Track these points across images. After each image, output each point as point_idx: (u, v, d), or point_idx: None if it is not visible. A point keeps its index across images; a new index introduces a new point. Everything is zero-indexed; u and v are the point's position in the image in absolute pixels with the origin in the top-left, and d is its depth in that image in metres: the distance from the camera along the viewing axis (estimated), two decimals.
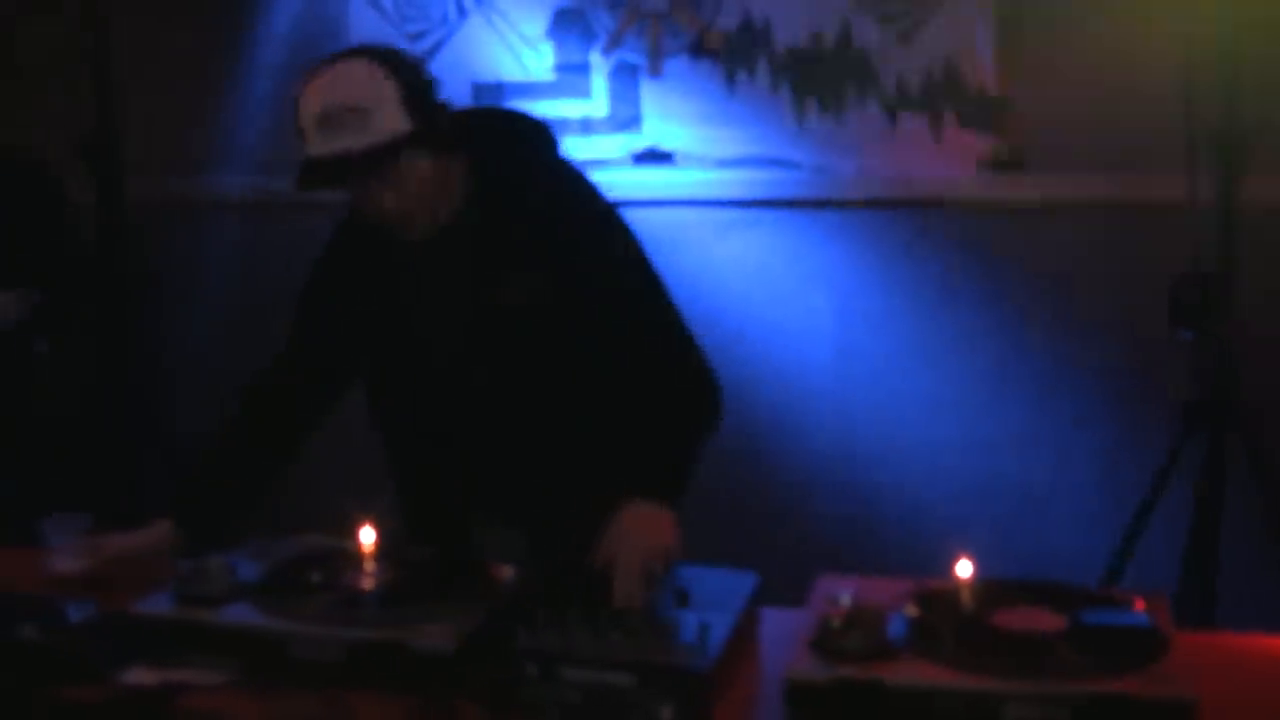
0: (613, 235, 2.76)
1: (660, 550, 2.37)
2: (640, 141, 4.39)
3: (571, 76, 4.42)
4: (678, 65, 4.35)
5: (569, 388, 2.70)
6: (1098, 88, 3.99)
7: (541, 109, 4.33)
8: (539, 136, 2.84)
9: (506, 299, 2.66)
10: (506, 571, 2.40)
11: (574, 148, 4.40)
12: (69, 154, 4.16)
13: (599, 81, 4.40)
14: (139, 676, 2.22)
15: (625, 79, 4.39)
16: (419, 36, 4.49)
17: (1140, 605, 2.20)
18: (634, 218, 4.40)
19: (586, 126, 4.42)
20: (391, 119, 2.51)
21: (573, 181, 2.80)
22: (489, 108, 2.98)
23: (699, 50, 4.32)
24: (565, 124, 4.41)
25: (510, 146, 2.79)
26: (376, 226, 2.66)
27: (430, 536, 2.76)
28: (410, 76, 2.57)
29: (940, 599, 2.21)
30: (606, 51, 4.39)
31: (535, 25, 4.41)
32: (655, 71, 4.36)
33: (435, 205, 2.64)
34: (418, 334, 2.75)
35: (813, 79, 4.25)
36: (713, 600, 2.27)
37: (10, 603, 2.44)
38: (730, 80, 4.30)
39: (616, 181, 4.36)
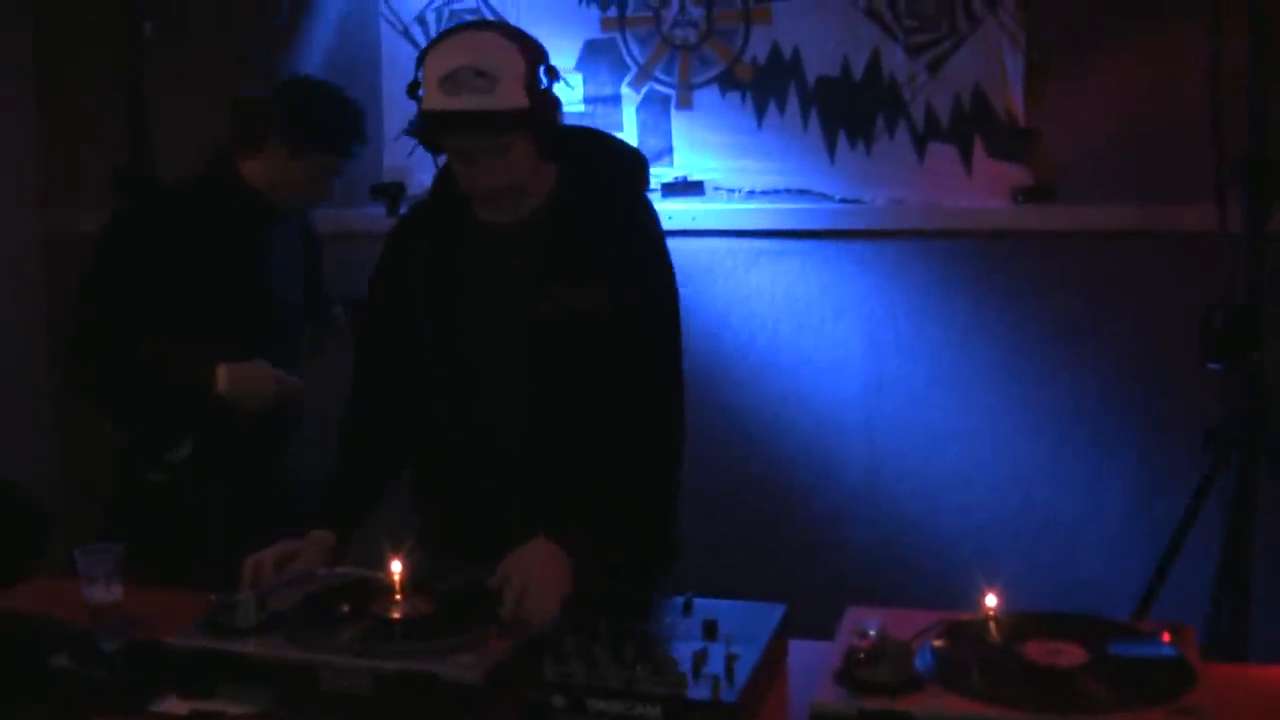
0: (664, 284, 2.85)
1: (551, 595, 2.43)
2: (670, 172, 4.40)
3: (602, 107, 4.44)
4: (708, 96, 4.36)
5: (587, 401, 2.76)
6: (1127, 117, 3.99)
7: None
8: (632, 165, 2.93)
9: (565, 305, 2.72)
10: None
11: None
12: (103, 182, 4.18)
13: (629, 112, 4.42)
14: (170, 706, 2.23)
15: (655, 110, 4.41)
16: None
17: (1167, 637, 2.19)
18: None
19: None
20: (514, 92, 2.60)
21: (648, 217, 2.87)
22: (589, 128, 3.05)
23: (729, 81, 4.34)
24: None
25: (602, 166, 2.86)
26: (444, 214, 2.79)
27: (444, 540, 2.86)
28: (536, 59, 2.66)
29: (968, 631, 2.21)
30: (637, 83, 4.41)
31: (566, 56, 4.43)
32: (685, 103, 4.38)
33: (523, 191, 2.74)
34: (473, 323, 2.81)
35: (842, 109, 4.25)
36: (740, 632, 2.27)
37: (43, 631, 2.46)
38: (760, 111, 4.32)
39: None
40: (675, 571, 2.97)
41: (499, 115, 2.61)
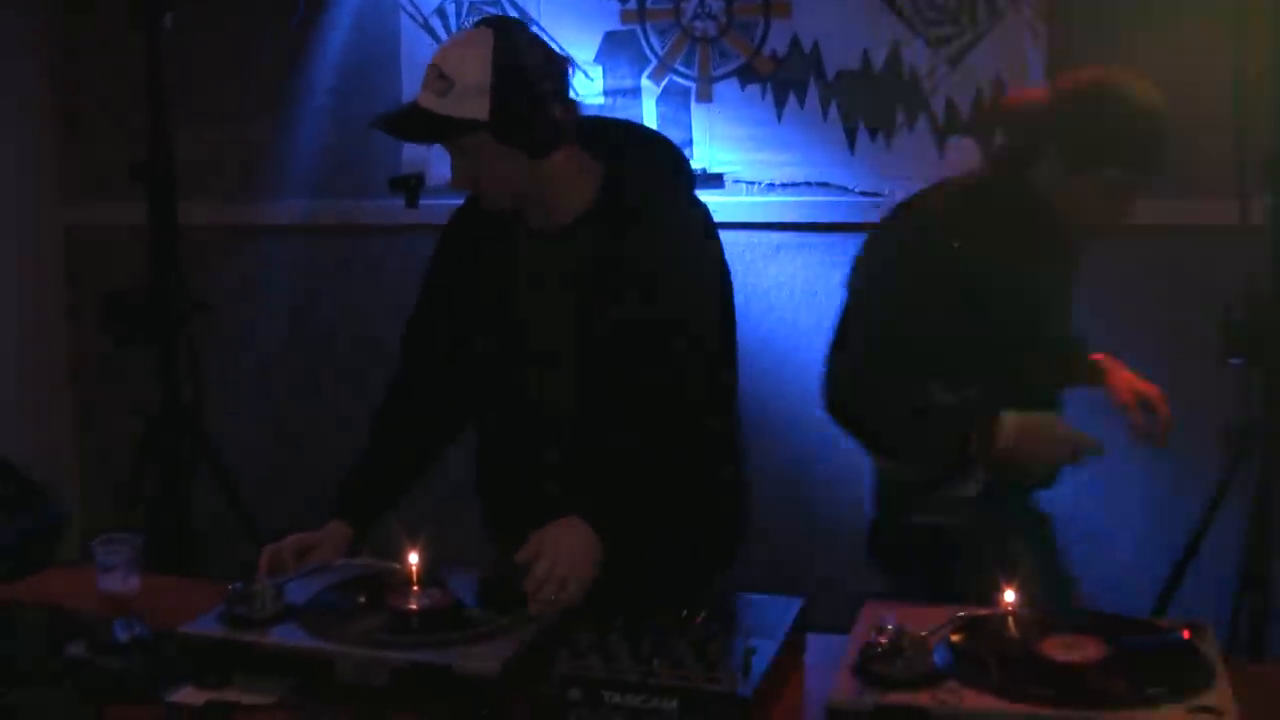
0: (710, 287, 2.78)
1: (579, 572, 2.45)
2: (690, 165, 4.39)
3: (621, 100, 4.43)
4: (728, 89, 4.36)
5: (636, 404, 2.70)
6: None
7: None
8: (676, 164, 2.86)
9: (609, 313, 2.69)
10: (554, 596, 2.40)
11: None
12: (124, 179, 4.19)
13: (649, 105, 4.42)
14: (187, 696, 2.24)
15: (675, 103, 4.40)
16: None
17: (1186, 634, 2.19)
18: None
19: None
20: (469, 100, 2.55)
21: (693, 219, 2.80)
22: (630, 122, 3.00)
23: (749, 74, 4.33)
24: None
25: (645, 167, 2.80)
26: (493, 216, 2.75)
27: (505, 531, 2.81)
28: (515, 66, 2.57)
29: (985, 627, 2.21)
30: (656, 75, 4.40)
31: (586, 49, 4.43)
32: (705, 95, 4.37)
33: (518, 196, 2.69)
34: (521, 329, 2.79)
35: (862, 102, 4.24)
36: (757, 625, 2.27)
37: (60, 621, 2.47)
38: (780, 104, 4.31)
39: None
40: (741, 556, 2.95)
41: (445, 120, 2.58)
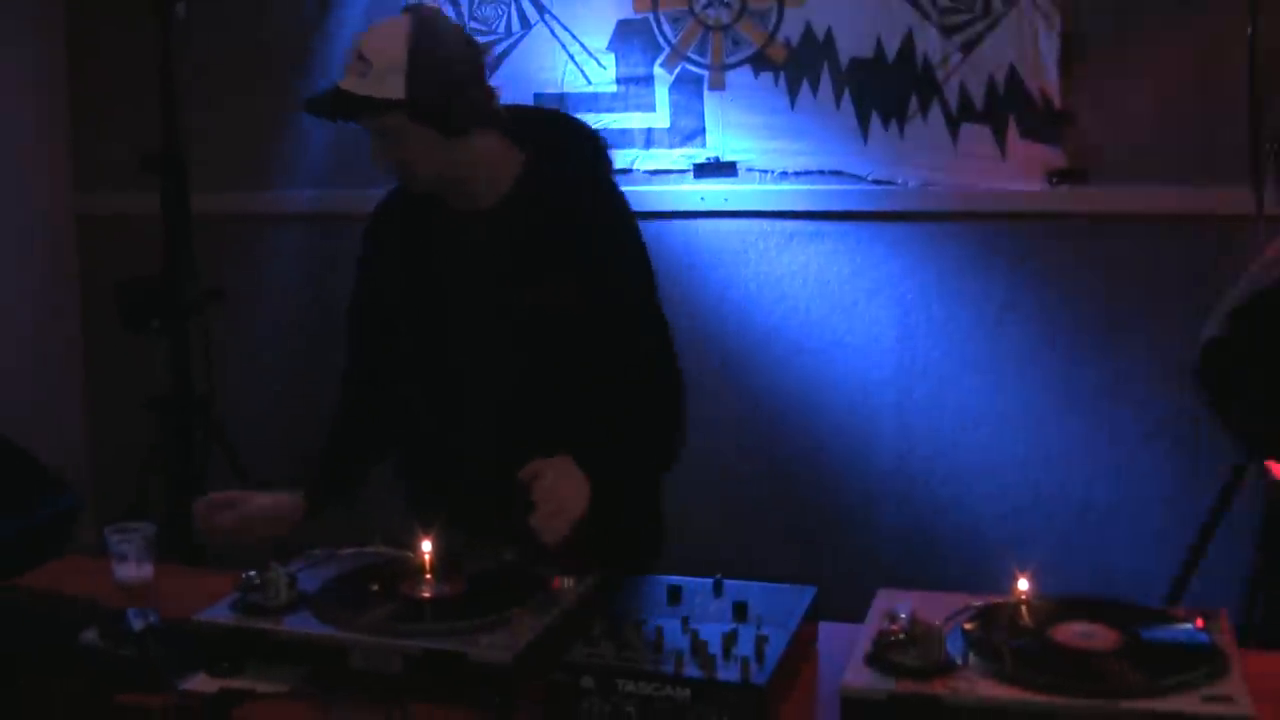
0: (639, 262, 2.89)
1: (572, 507, 2.54)
2: (703, 153, 4.39)
3: (634, 88, 4.43)
4: (740, 77, 4.35)
5: (566, 384, 2.80)
6: (1163, 99, 3.96)
7: (604, 120, 4.37)
8: (594, 149, 2.94)
9: (535, 294, 2.76)
10: (566, 583, 2.41)
11: (636, 159, 4.41)
12: (136, 169, 4.19)
13: (662, 93, 4.41)
14: (200, 684, 2.24)
15: (688, 91, 4.39)
16: (483, 49, 4.52)
17: (1200, 623, 2.18)
18: (696, 229, 4.46)
19: (649, 138, 4.43)
20: (386, 80, 2.64)
21: (617, 200, 2.91)
22: (552, 110, 3.10)
23: (762, 62, 4.32)
24: (628, 135, 4.43)
25: (567, 152, 2.89)
26: (416, 201, 2.84)
27: (428, 513, 2.84)
28: (430, 48, 2.67)
29: (999, 615, 2.20)
30: (669, 63, 4.40)
31: (598, 37, 4.42)
32: (718, 83, 4.36)
33: (435, 178, 2.77)
34: (446, 311, 2.85)
35: (875, 90, 4.23)
36: (770, 614, 2.27)
37: (73, 609, 2.47)
38: (793, 92, 4.30)
39: (679, 193, 4.38)
40: (665, 554, 3.01)
41: (364, 101, 2.66)
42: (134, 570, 2.69)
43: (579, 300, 2.75)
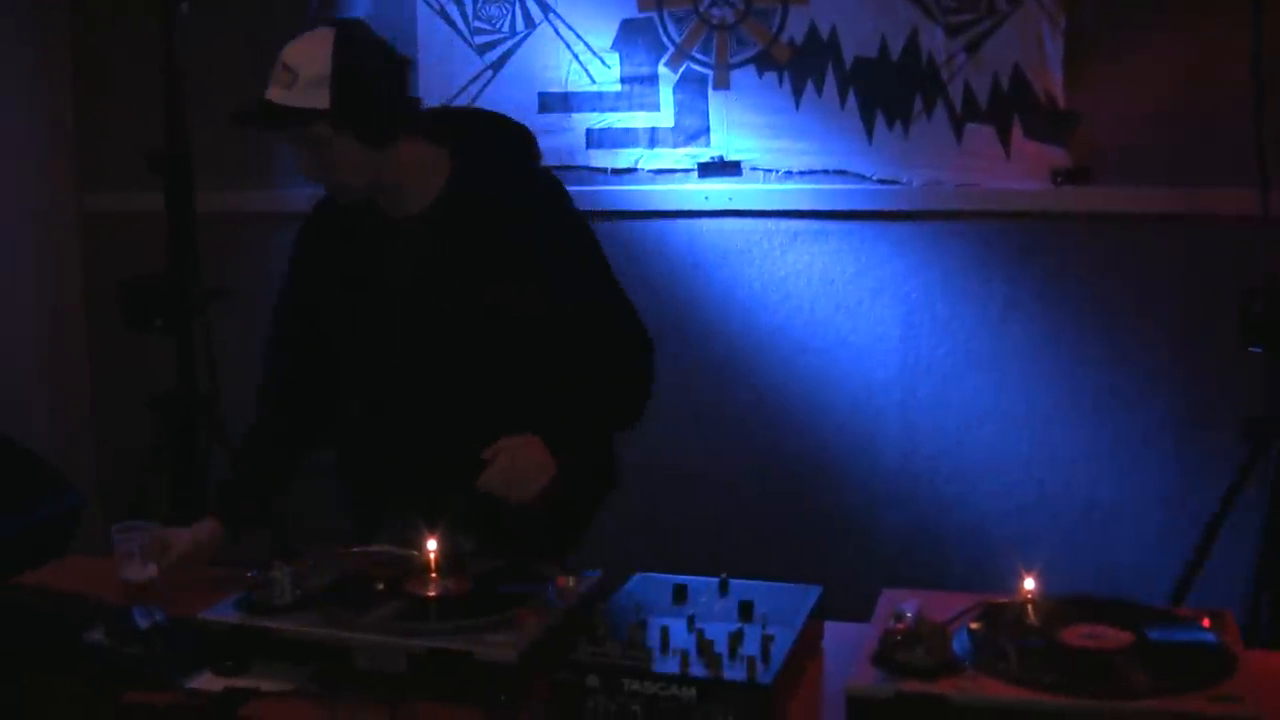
0: (582, 244, 2.91)
1: (532, 479, 2.66)
2: (707, 152, 4.39)
3: (639, 87, 4.42)
4: (745, 76, 4.34)
5: (513, 381, 2.82)
6: (1167, 99, 3.96)
7: (608, 120, 4.37)
8: (520, 143, 2.97)
9: (471, 295, 2.78)
10: (571, 582, 2.41)
11: (641, 159, 4.41)
12: (141, 167, 4.19)
13: (666, 93, 4.40)
14: (205, 683, 2.24)
15: (692, 90, 4.39)
16: (488, 48, 4.51)
17: (1206, 623, 2.18)
18: (701, 229, 4.46)
19: (653, 138, 4.42)
20: (311, 90, 2.67)
21: (550, 191, 2.92)
22: (474, 109, 3.15)
23: (766, 62, 4.32)
24: (632, 135, 4.43)
25: (491, 149, 2.92)
26: (351, 207, 2.85)
27: (362, 512, 2.96)
28: (354, 59, 2.70)
29: (1005, 614, 2.20)
30: (674, 63, 4.39)
31: (603, 36, 4.42)
32: (722, 83, 4.36)
33: (368, 185, 2.78)
34: (384, 318, 2.86)
35: (880, 90, 4.23)
36: (776, 613, 2.27)
37: (79, 608, 2.47)
38: (797, 91, 4.29)
39: (683, 193, 4.38)
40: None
41: (287, 110, 2.69)
42: (139, 569, 2.69)
43: (521, 296, 2.77)
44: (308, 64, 2.67)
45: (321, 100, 2.66)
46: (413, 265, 2.82)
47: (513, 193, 2.85)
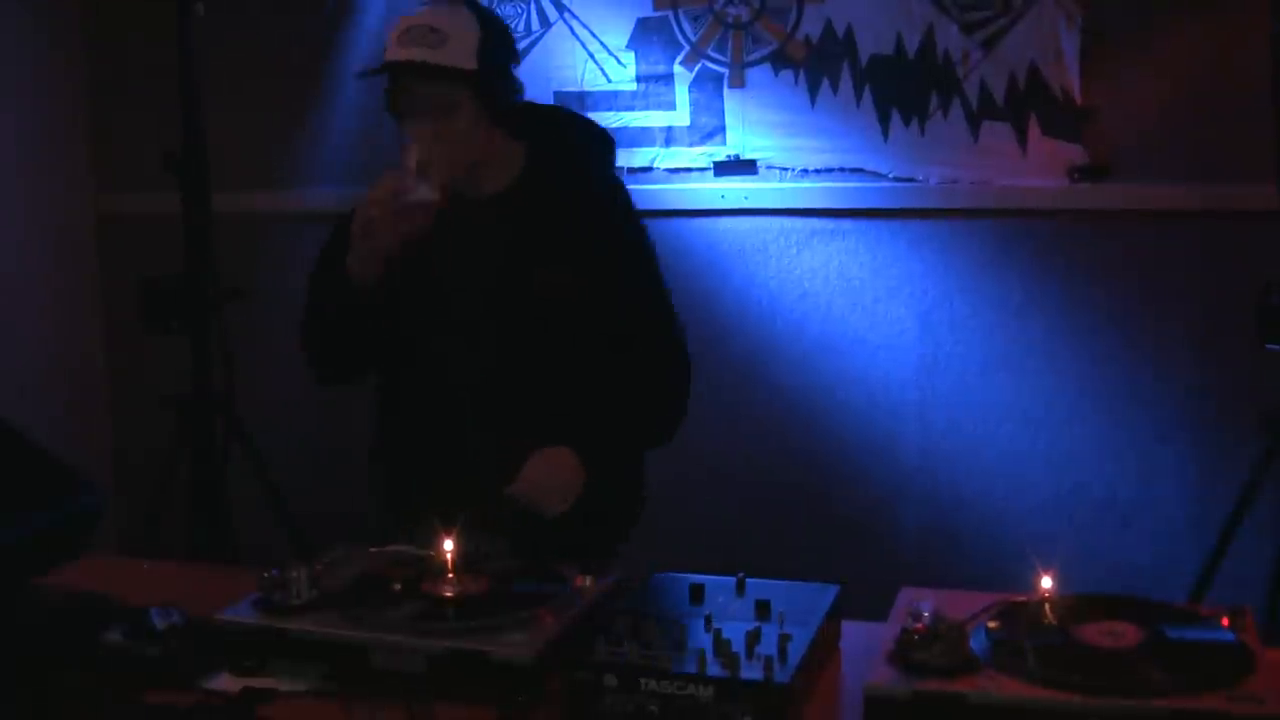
0: (644, 253, 2.94)
1: (561, 494, 2.70)
2: (723, 151, 4.39)
3: (654, 86, 4.42)
4: (760, 75, 4.34)
5: (564, 374, 2.84)
6: (1185, 95, 3.95)
7: (624, 119, 4.36)
8: (599, 145, 3.02)
9: (534, 285, 2.81)
10: (588, 581, 2.40)
11: (656, 158, 4.41)
12: (157, 168, 4.20)
13: (682, 91, 4.40)
14: (222, 683, 2.24)
15: (708, 89, 4.39)
16: None
17: (1225, 621, 2.17)
18: (717, 227, 4.46)
19: (669, 136, 4.42)
20: (464, 53, 2.71)
21: (619, 197, 2.95)
22: (559, 107, 3.16)
23: (782, 60, 4.31)
24: (648, 134, 4.43)
25: (571, 147, 2.96)
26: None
27: (399, 498, 2.95)
28: (494, 35, 2.77)
29: (1023, 613, 2.20)
30: (689, 61, 4.39)
31: (618, 35, 4.42)
32: (738, 81, 4.36)
33: (472, 164, 2.81)
34: (442, 297, 2.88)
35: (896, 87, 4.22)
36: (793, 612, 2.26)
37: (97, 608, 2.47)
38: (813, 89, 4.29)
39: (699, 191, 4.38)
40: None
41: (441, 68, 2.71)
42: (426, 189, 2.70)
43: (574, 287, 2.79)
44: (456, 29, 2.72)
45: (470, 62, 2.71)
46: (471, 245, 2.84)
47: (582, 191, 2.88)
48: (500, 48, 2.80)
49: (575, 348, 2.83)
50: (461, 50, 2.71)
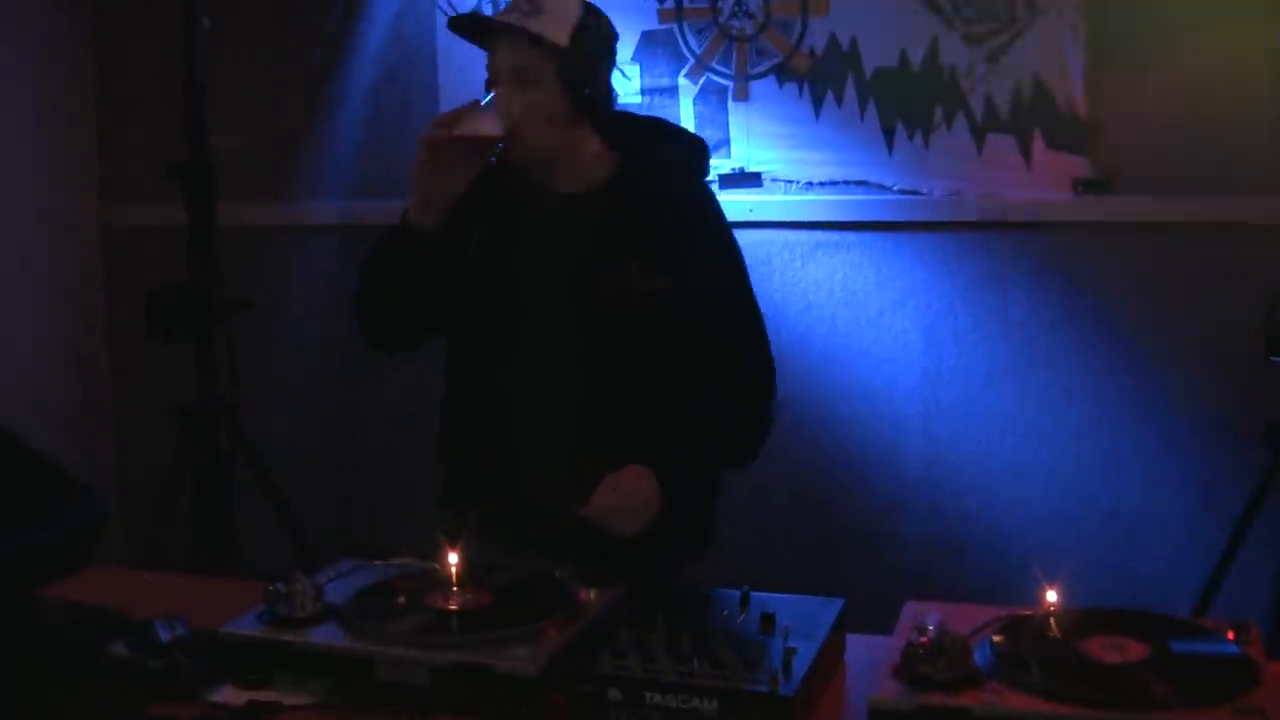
0: (731, 262, 2.90)
1: (636, 516, 2.65)
2: (728, 163, 4.39)
3: (659, 99, 4.43)
4: (765, 88, 4.35)
5: (647, 383, 2.79)
6: (1190, 107, 3.95)
7: None
8: (693, 153, 2.96)
9: (616, 286, 2.75)
10: (592, 594, 2.40)
11: None
12: (162, 179, 4.21)
13: (686, 104, 4.41)
14: (227, 696, 2.24)
15: (713, 101, 4.39)
16: None
17: (1230, 635, 2.17)
18: None
19: None
20: (557, 28, 2.69)
21: (711, 206, 2.92)
22: (661, 120, 3.13)
23: (786, 72, 4.32)
24: None
25: (666, 160, 2.90)
26: (506, 173, 2.82)
27: (465, 500, 2.88)
28: (595, 26, 2.76)
29: (1027, 627, 2.19)
30: (694, 74, 4.40)
31: (623, 48, 4.39)
32: (742, 94, 4.36)
33: (551, 147, 2.77)
34: (520, 292, 2.83)
35: (900, 100, 4.23)
36: (798, 626, 2.25)
37: (101, 620, 2.47)
38: (817, 102, 4.29)
39: None
40: (708, 559, 3.01)
41: (528, 34, 2.69)
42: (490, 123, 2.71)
43: (658, 290, 2.75)
44: (559, 5, 2.72)
45: (562, 38, 2.69)
46: (551, 240, 2.81)
47: (672, 197, 2.84)
48: (598, 40, 2.78)
49: (659, 355, 2.78)
50: (555, 25, 2.69)
